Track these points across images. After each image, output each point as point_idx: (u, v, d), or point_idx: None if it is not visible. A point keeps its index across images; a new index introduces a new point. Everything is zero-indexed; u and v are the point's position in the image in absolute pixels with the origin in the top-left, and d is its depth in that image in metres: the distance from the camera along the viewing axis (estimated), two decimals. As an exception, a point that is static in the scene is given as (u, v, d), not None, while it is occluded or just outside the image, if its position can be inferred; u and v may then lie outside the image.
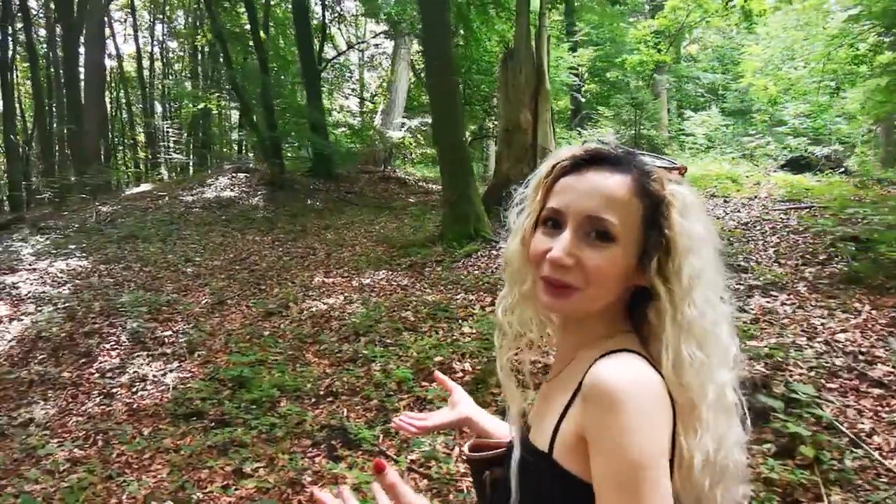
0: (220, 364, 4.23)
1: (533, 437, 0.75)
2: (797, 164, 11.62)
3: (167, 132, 20.36)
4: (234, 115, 21.82)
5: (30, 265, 7.05)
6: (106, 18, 21.34)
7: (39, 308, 5.46)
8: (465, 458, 0.83)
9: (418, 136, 17.68)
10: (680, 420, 0.67)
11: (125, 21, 25.94)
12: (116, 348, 4.60)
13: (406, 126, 16.15)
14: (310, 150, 15.09)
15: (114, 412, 3.75)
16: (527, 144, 8.86)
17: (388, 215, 10.95)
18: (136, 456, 3.22)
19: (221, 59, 13.11)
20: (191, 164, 20.70)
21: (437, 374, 1.09)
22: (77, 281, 6.37)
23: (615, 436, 0.62)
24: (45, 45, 23.58)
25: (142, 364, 4.32)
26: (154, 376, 4.14)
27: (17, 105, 29.01)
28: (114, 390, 4.01)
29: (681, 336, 0.69)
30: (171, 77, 25.67)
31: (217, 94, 16.58)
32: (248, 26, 13.95)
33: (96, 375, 4.24)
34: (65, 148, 17.93)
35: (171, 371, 4.18)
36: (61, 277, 6.50)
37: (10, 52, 19.77)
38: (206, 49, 25.17)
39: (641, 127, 10.20)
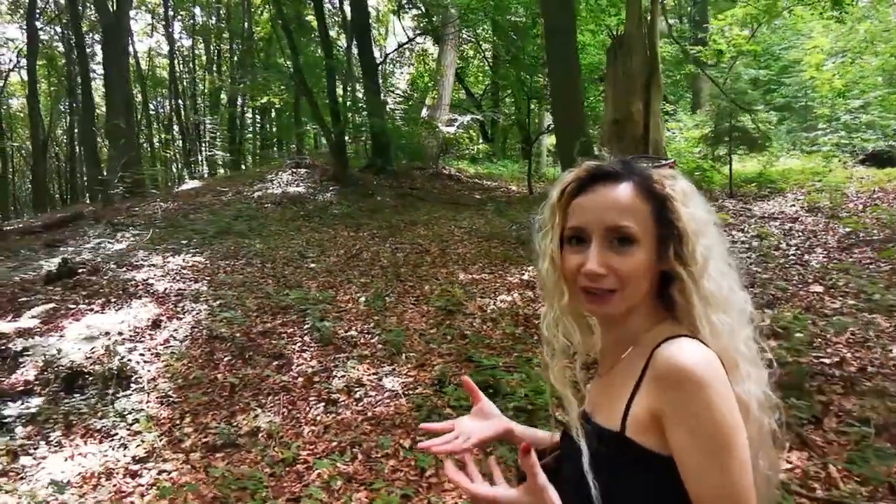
0: (433, 365, 3.89)
1: (602, 420, 0.82)
2: (880, 159, 11.27)
3: (205, 129, 19.98)
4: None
5: (144, 261, 6.69)
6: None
7: (193, 306, 5.10)
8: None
9: (470, 132, 17.36)
10: (731, 378, 0.75)
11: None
12: (306, 349, 4.25)
13: (458, 122, 15.81)
14: (367, 146, 14.76)
15: (349, 421, 3.40)
16: (638, 136, 8.51)
17: (469, 211, 10.59)
18: (416, 473, 2.87)
19: (287, 50, 12.66)
20: (224, 160, 20.30)
21: (467, 380, 1.04)
22: (206, 277, 6.01)
23: (700, 410, 0.70)
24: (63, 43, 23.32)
25: (347, 367, 3.96)
26: (369, 380, 3.79)
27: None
28: (333, 396, 3.66)
29: (708, 308, 0.79)
30: (188, 74, 25.32)
31: (282, 88, 16.16)
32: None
33: (301, 379, 3.89)
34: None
35: (386, 375, 3.83)
36: (187, 274, 6.14)
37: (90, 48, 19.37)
38: (235, 46, 24.91)
39: (736, 121, 9.83)
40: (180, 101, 22.19)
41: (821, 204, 7.57)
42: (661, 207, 0.82)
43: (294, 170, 13.94)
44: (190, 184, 16.07)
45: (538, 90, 12.76)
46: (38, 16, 23.23)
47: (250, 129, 24.64)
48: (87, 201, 18.13)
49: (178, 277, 6.00)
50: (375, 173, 13.88)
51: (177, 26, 26.23)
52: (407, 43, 15.65)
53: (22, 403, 3.84)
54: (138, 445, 3.35)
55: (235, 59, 22.48)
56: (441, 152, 15.73)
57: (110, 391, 3.91)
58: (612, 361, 0.87)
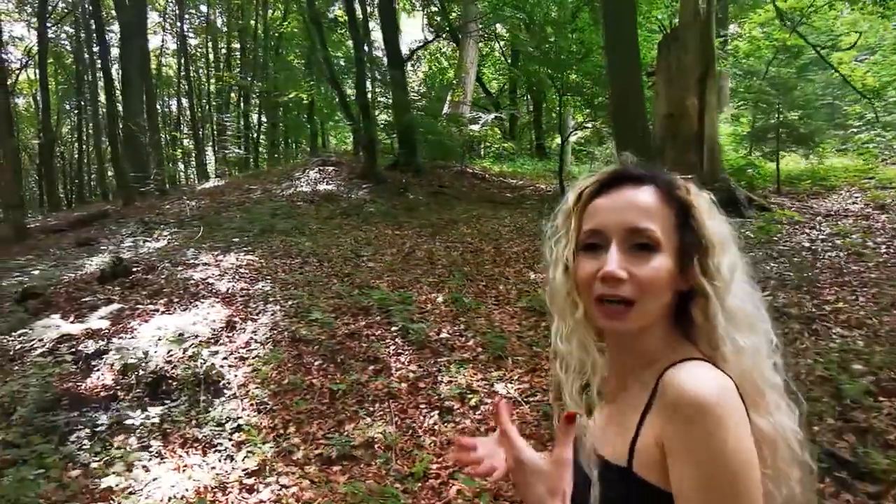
0: (545, 369, 3.66)
1: (608, 453, 0.76)
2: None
3: (220, 127, 19.73)
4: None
5: (195, 260, 6.45)
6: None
7: (265, 307, 4.86)
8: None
9: (496, 129, 17.11)
10: (752, 409, 0.69)
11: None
12: (401, 353, 4.01)
13: (483, 120, 15.58)
14: (394, 143, 14.53)
15: (471, 430, 3.17)
16: (692, 132, 8.28)
17: (506, 209, 10.37)
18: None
19: (318, 46, 12.42)
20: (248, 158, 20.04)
21: (502, 404, 0.85)
22: (267, 277, 5.78)
23: (709, 444, 0.63)
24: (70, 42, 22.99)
25: (451, 371, 3.73)
26: (480, 386, 3.56)
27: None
28: (446, 403, 3.42)
29: (732, 326, 0.73)
30: (194, 73, 25.04)
31: (311, 83, 15.94)
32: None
33: (405, 385, 3.65)
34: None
35: (496, 381, 3.60)
36: (245, 273, 5.91)
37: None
38: (246, 44, 24.65)
39: (783, 116, 9.61)
40: (186, 100, 21.91)
41: (887, 201, 7.35)
42: (684, 215, 0.76)
43: (321, 168, 13.69)
44: (211, 182, 15.84)
45: (572, 86, 12.52)
46: (48, 14, 22.94)
47: (256, 127, 24.35)
48: (109, 199, 17.86)
49: (237, 277, 5.76)
50: (402, 171, 13.67)
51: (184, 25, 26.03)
52: (432, 40, 15.41)
53: (108, 410, 3.61)
54: (247, 457, 3.12)
55: (251, 56, 22.22)
56: (466, 150, 15.49)
57: (201, 397, 3.68)
58: (620, 387, 0.81)
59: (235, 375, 3.89)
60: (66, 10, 24.98)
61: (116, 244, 9.18)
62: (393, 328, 4.34)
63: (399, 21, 22.15)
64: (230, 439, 3.29)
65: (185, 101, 22.55)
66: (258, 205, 11.05)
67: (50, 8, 22.84)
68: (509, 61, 19.48)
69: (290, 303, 4.94)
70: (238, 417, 3.45)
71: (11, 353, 4.56)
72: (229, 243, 7.34)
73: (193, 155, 22.46)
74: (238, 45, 24.40)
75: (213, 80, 25.68)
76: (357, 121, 12.44)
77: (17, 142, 23.32)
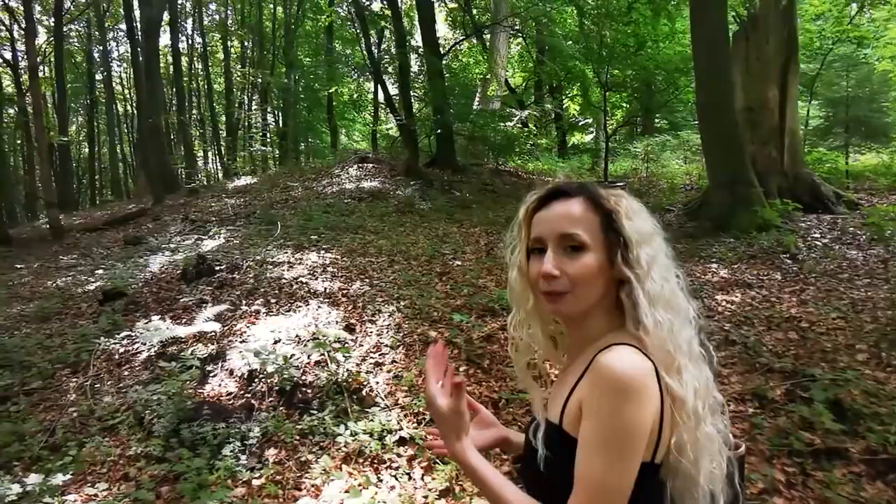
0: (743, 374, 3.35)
1: (548, 414, 0.93)
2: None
3: (246, 125, 19.38)
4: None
5: (275, 259, 6.13)
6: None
7: (379, 308, 4.54)
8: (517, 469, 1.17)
9: (531, 126, 16.77)
10: (667, 373, 0.84)
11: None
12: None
13: (517, 117, 15.26)
14: (431, 140, 14.21)
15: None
16: (773, 125, 7.96)
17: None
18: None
19: (360, 40, 12.08)
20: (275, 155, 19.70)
21: (469, 401, 1.07)
22: (360, 276, 5.46)
23: (611, 407, 0.79)
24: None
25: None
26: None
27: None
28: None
29: (651, 305, 0.88)
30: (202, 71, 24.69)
31: (354, 79, 15.59)
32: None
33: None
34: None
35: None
36: (334, 271, 5.59)
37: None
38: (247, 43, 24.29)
39: (856, 108, 9.30)
40: (196, 99, 21.55)
41: None
42: (608, 220, 0.91)
43: (360, 165, 13.37)
44: (242, 180, 15.50)
45: (619, 81, 12.21)
46: (64, 12, 22.56)
47: (275, 125, 23.98)
48: (126, 197, 17.40)
49: (329, 276, 5.44)
50: (440, 168, 13.37)
51: (189, 23, 25.77)
52: (470, 35, 15.05)
53: (250, 421, 3.30)
54: (426, 475, 2.81)
55: (266, 53, 21.85)
56: (502, 148, 15.16)
57: (347, 406, 3.36)
58: (570, 361, 0.97)
59: (377, 382, 3.57)
60: (83, 6, 24.62)
61: (167, 242, 8.86)
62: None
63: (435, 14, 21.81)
64: (399, 454, 2.98)
65: (210, 101, 22.11)
66: (304, 202, 10.74)
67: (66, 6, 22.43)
68: (534, 57, 19.12)
69: (401, 303, 4.62)
70: (399, 429, 3.13)
71: (117, 357, 4.24)
72: (299, 241, 7.02)
73: (218, 152, 22.09)
74: (247, 44, 24.06)
75: (220, 79, 25.37)
76: (400, 116, 12.12)
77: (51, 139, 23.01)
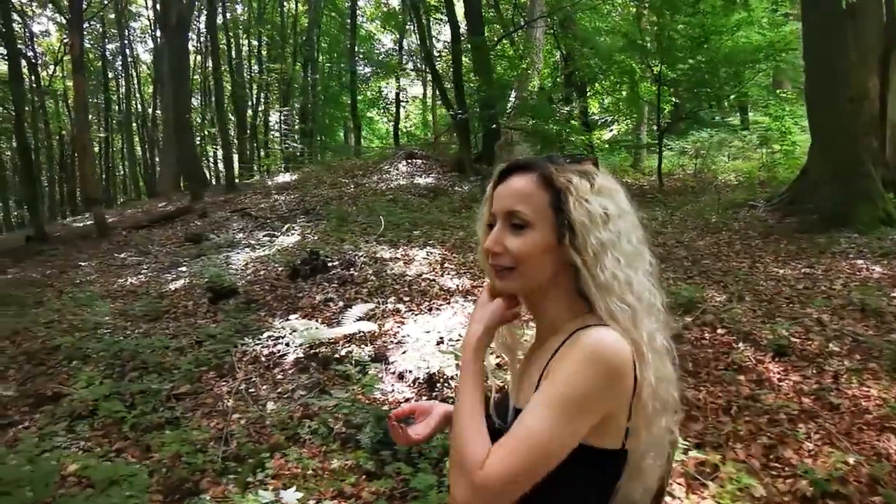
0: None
1: (516, 400, 0.91)
2: None
3: (281, 122, 19.07)
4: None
5: (380, 255, 5.83)
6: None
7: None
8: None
9: (574, 122, 16.46)
10: (639, 360, 0.80)
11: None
12: (763, 362, 3.39)
13: (566, 109, 14.95)
14: (478, 135, 13.90)
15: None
16: (874, 115, 7.65)
17: (657, 206, 9.71)
18: None
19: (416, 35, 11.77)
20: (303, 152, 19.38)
21: (393, 418, 1.03)
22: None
23: (573, 370, 0.77)
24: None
25: (852, 384, 3.10)
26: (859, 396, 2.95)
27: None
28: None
29: (604, 294, 0.83)
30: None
31: (401, 73, 15.28)
32: None
33: (809, 400, 3.03)
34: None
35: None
36: (453, 269, 5.28)
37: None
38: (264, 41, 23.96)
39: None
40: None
41: None
42: (557, 198, 0.86)
43: (408, 161, 13.08)
44: (282, 177, 15.20)
45: (682, 76, 11.90)
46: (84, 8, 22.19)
47: (283, 125, 23.64)
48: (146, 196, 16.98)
49: (451, 273, 5.14)
50: (488, 164, 13.07)
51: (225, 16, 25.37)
52: (516, 30, 14.73)
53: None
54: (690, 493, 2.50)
55: (284, 50, 21.50)
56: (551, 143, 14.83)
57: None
58: (536, 348, 0.94)
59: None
60: (103, 4, 24.29)
61: (233, 239, 8.55)
62: (720, 329, 3.71)
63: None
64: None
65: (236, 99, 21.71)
66: (363, 198, 10.43)
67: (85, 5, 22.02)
68: (563, 53, 18.79)
69: None
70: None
71: (263, 359, 3.94)
72: (395, 237, 6.72)
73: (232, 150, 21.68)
74: (259, 41, 23.72)
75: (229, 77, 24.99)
76: (453, 110, 11.81)
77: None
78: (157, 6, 24.83)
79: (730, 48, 10.77)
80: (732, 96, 11.97)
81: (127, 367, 4.08)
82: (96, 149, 28.55)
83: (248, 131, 21.61)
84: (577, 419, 0.76)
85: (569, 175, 0.87)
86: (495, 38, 15.02)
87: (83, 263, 8.76)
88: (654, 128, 15.10)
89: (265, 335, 4.13)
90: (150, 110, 30.65)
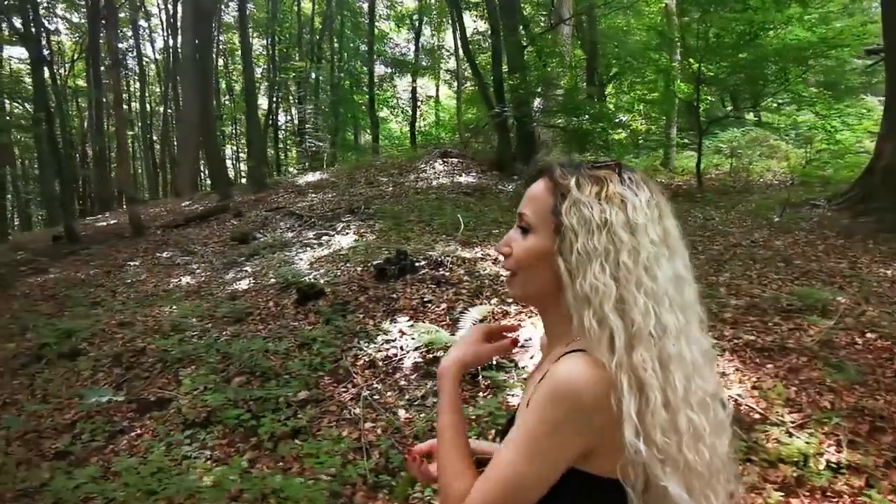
0: None
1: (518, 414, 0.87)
2: None
3: (300, 120, 18.86)
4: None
5: (461, 254, 5.65)
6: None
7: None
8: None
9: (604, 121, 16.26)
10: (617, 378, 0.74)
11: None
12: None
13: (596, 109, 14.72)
14: (511, 132, 13.71)
15: None
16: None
17: (685, 204, 9.56)
18: None
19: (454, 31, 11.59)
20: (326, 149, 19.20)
21: (415, 449, 1.03)
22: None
23: (537, 409, 0.75)
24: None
25: None
26: None
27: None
28: None
29: (580, 307, 0.77)
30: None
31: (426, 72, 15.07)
32: None
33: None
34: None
35: None
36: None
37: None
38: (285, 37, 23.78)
39: None
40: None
41: None
42: (558, 202, 0.83)
43: (443, 159, 12.89)
44: (310, 176, 15.02)
45: (721, 74, 11.73)
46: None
47: (300, 123, 23.46)
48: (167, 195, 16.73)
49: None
50: (524, 162, 12.89)
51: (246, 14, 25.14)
52: (556, 25, 14.52)
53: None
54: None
55: (313, 48, 21.32)
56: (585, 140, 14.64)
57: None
58: (545, 355, 0.93)
59: (739, 394, 3.08)
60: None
61: (281, 238, 8.36)
62: (869, 334, 3.53)
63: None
64: (834, 482, 2.49)
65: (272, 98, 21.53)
66: (406, 196, 10.25)
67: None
68: (586, 50, 18.61)
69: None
70: (821, 453, 2.64)
71: (380, 363, 3.75)
72: (464, 236, 6.53)
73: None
74: (268, 40, 23.51)
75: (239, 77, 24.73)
76: (492, 105, 11.62)
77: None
78: (173, 4, 24.75)
79: (779, 45, 10.59)
80: (778, 93, 11.75)
81: (231, 372, 3.90)
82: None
83: (269, 130, 21.47)
84: (550, 454, 0.74)
85: (573, 178, 0.83)
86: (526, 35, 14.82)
87: (132, 263, 8.58)
88: (674, 128, 14.96)
89: (379, 339, 3.94)
90: (161, 109, 30.53)
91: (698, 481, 0.76)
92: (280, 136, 25.21)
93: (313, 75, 22.23)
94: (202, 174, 22.35)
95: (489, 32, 14.01)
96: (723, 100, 16.98)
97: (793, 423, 2.85)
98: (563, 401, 0.73)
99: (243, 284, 6.18)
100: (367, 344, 3.91)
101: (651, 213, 0.81)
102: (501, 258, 0.89)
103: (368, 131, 26.53)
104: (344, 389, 3.54)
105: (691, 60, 12.12)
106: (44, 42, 20.02)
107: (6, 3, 13.20)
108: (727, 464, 0.81)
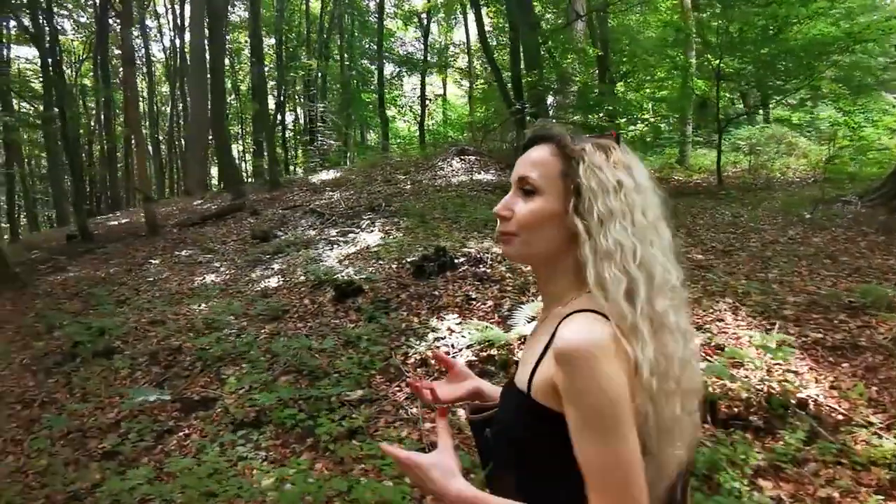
0: None
1: (517, 378, 0.88)
2: None
3: (312, 117, 18.75)
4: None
5: (486, 250, 5.53)
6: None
7: (721, 306, 3.93)
8: (467, 419, 1.00)
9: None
10: (627, 338, 0.76)
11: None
12: None
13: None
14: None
15: None
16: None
17: (710, 201, 9.42)
18: None
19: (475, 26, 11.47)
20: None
21: (437, 353, 1.15)
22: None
23: (580, 386, 0.73)
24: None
25: None
26: None
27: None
28: None
29: (602, 261, 0.80)
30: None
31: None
32: None
33: None
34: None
35: None
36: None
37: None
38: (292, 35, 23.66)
39: None
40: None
41: None
42: (569, 166, 0.86)
43: (460, 157, 12.77)
44: (324, 174, 14.92)
45: (742, 70, 11.58)
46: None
47: (308, 122, 23.33)
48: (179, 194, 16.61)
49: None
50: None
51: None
52: (577, 19, 14.35)
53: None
54: None
55: (322, 47, 21.20)
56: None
57: (807, 426, 2.75)
58: (542, 319, 0.93)
59: (817, 395, 2.95)
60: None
61: (303, 236, 8.25)
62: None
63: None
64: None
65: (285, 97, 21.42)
66: (426, 194, 10.13)
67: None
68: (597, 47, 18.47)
69: (744, 298, 4.01)
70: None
71: (433, 362, 3.63)
72: (489, 233, 6.41)
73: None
74: (273, 41, 23.42)
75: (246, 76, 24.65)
76: (510, 102, 11.50)
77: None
78: (180, 4, 24.68)
79: (804, 39, 10.45)
80: (801, 89, 11.59)
81: (276, 371, 3.78)
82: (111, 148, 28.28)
83: (276, 129, 21.37)
84: (621, 419, 0.73)
85: (584, 145, 0.87)
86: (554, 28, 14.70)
87: (153, 261, 8.48)
88: (689, 125, 14.80)
89: (430, 336, 3.82)
90: (166, 109, 30.45)
91: (691, 399, 0.82)
92: (287, 136, 25.15)
93: (320, 74, 22.16)
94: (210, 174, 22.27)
95: (506, 29, 13.90)
96: (732, 99, 16.82)
97: (881, 424, 2.72)
98: (596, 362, 0.73)
99: (272, 282, 6.07)
100: (417, 342, 3.79)
101: (646, 174, 0.89)
102: (498, 221, 0.89)
103: (373, 131, 26.48)
104: (397, 388, 3.42)
105: (710, 57, 11.98)
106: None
107: (17, 2, 13.11)
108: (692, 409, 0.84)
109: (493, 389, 1.09)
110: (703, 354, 3.29)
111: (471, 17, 23.53)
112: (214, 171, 23.28)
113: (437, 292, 4.53)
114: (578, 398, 0.73)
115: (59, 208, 21.95)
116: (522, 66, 12.37)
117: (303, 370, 3.70)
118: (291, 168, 23.11)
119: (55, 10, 14.09)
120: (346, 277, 5.10)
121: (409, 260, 5.20)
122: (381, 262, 5.70)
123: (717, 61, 11.32)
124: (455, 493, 0.82)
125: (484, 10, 18.94)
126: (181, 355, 4.38)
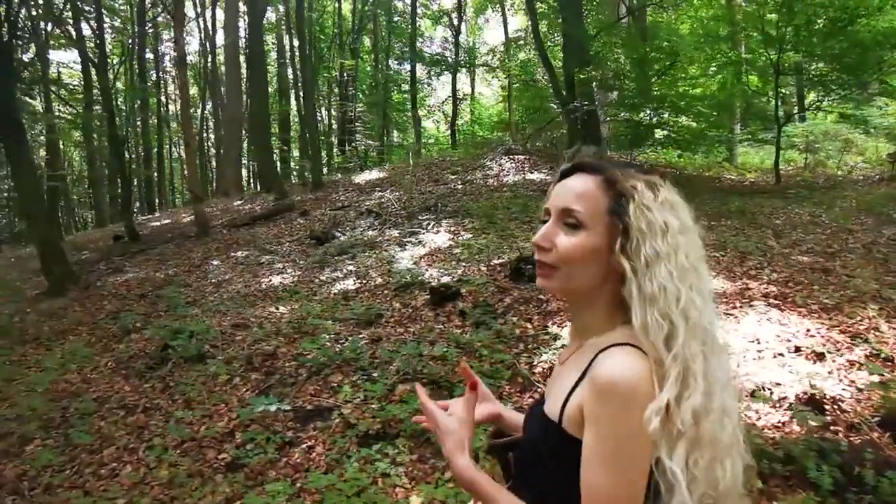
0: None
1: (547, 408, 0.87)
2: None
3: (349, 118, 18.69)
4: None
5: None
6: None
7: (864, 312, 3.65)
8: (490, 444, 1.00)
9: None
10: (661, 380, 0.75)
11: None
12: None
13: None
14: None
15: None
16: None
17: (780, 201, 9.03)
18: None
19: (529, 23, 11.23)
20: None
21: (465, 366, 1.03)
22: (724, 272, 4.58)
23: (608, 415, 0.74)
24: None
25: None
26: None
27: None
28: None
29: (646, 304, 0.79)
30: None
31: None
32: None
33: None
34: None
35: None
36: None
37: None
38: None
39: None
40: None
41: None
42: (617, 203, 0.84)
43: (508, 156, 12.53)
44: (367, 174, 14.81)
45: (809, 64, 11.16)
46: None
47: (342, 123, 23.23)
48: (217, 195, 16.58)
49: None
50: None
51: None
52: (629, 14, 14.02)
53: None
54: None
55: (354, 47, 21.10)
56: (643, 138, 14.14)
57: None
58: (570, 353, 0.92)
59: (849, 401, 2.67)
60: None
61: (362, 238, 8.10)
62: None
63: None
64: None
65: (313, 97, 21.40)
66: (480, 194, 9.92)
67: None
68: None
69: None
70: None
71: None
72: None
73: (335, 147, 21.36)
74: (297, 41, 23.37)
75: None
76: (563, 100, 11.23)
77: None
78: (212, 6, 24.82)
79: (875, 31, 10.01)
80: (870, 83, 11.13)
81: (392, 379, 3.59)
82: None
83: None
84: (637, 458, 0.74)
85: (634, 182, 0.85)
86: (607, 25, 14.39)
87: (213, 262, 8.40)
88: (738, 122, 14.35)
89: (558, 343, 3.60)
90: (196, 111, 30.72)
91: (719, 452, 0.77)
92: (328, 136, 25.17)
93: (350, 75, 22.13)
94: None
95: (555, 27, 13.62)
96: (784, 95, 16.30)
97: None
98: (631, 396, 0.73)
99: (349, 284, 5.91)
100: (543, 349, 3.57)
101: (690, 215, 0.87)
102: (536, 252, 0.87)
103: (397, 130, 26.37)
104: (530, 398, 3.21)
105: (768, 51, 11.56)
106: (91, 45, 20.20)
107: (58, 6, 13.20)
108: (740, 436, 0.81)
109: (512, 415, 1.10)
110: (874, 365, 3.01)
111: (508, 14, 23.40)
112: (243, 172, 23.35)
113: (543, 296, 4.31)
114: (603, 423, 0.74)
115: (98, 209, 22.24)
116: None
117: (421, 378, 3.50)
118: (332, 168, 23.11)
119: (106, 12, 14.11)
120: (437, 281, 4.90)
121: (496, 262, 4.98)
122: (463, 263, 5.50)
123: (776, 55, 10.93)
124: (459, 468, 0.85)
125: (515, 10, 18.69)
126: (278, 361, 4.22)
